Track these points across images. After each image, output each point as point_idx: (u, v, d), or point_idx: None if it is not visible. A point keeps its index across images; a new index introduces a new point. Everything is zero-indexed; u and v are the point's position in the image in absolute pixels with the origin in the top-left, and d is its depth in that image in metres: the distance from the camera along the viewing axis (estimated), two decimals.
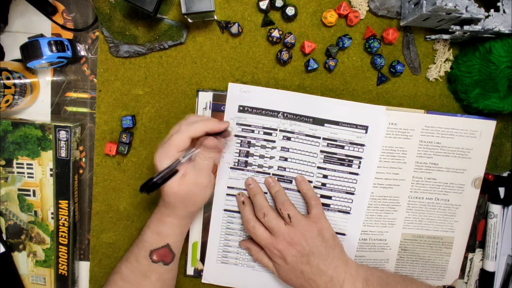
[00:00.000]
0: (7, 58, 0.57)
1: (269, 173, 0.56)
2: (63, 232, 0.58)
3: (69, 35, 0.57)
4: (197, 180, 0.48)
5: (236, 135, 0.55)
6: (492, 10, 0.49)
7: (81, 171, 0.59)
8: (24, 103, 0.56)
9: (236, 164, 0.56)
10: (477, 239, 0.62)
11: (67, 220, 0.57)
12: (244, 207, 0.55)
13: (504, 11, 0.50)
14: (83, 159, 0.59)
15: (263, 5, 0.54)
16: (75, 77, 0.58)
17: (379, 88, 0.57)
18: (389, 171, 0.56)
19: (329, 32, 0.56)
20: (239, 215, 0.57)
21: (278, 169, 0.56)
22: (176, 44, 0.55)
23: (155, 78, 0.56)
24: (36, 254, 0.58)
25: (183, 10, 0.48)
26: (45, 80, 0.58)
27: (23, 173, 0.57)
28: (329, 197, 0.56)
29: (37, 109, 0.58)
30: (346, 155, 0.55)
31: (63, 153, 0.56)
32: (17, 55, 0.53)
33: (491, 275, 0.61)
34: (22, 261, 0.59)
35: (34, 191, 0.57)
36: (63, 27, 0.56)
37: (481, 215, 0.61)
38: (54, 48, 0.51)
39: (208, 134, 0.48)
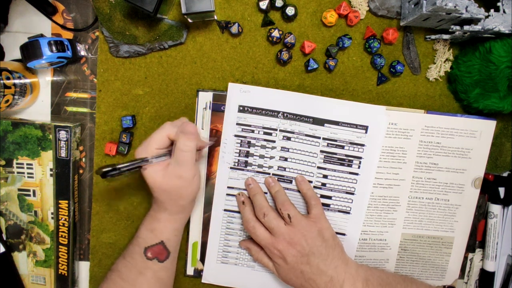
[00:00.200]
0: (7, 58, 0.57)
1: (269, 173, 0.56)
2: (63, 232, 0.58)
3: (69, 35, 0.57)
4: (180, 174, 0.47)
5: (236, 135, 0.55)
6: (492, 10, 0.49)
7: (81, 171, 0.59)
8: (24, 103, 0.56)
9: (236, 164, 0.56)
10: (477, 239, 0.62)
11: (67, 220, 0.57)
12: (244, 207, 0.55)
13: (504, 11, 0.50)
14: (83, 159, 0.59)
15: (263, 5, 0.54)
16: (75, 77, 0.58)
17: (379, 88, 0.57)
18: (389, 171, 0.56)
19: (329, 32, 0.56)
20: (239, 215, 0.57)
21: (278, 169, 0.56)
22: (176, 44, 0.55)
23: (155, 78, 0.56)
24: (36, 254, 0.58)
25: (183, 10, 0.48)
26: (45, 80, 0.58)
27: (23, 173, 0.57)
28: (329, 197, 0.56)
29: (37, 109, 0.58)
30: (346, 155, 0.55)
31: (63, 153, 0.56)
32: (17, 55, 0.53)
33: (491, 275, 0.61)
34: (22, 261, 0.59)
35: (34, 191, 0.57)
36: (63, 27, 0.56)
37: (481, 215, 0.61)
38: (54, 48, 0.51)
39: None
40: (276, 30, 0.54)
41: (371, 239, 0.58)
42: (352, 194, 0.56)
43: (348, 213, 0.57)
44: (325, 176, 0.56)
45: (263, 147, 0.56)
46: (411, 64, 0.56)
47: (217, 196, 0.57)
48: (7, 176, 0.57)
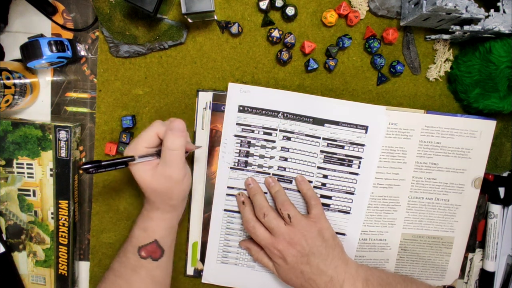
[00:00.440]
0: (7, 58, 0.57)
1: (269, 173, 0.56)
2: (63, 232, 0.58)
3: (69, 35, 0.57)
4: (169, 174, 0.47)
5: (236, 135, 0.55)
6: (492, 10, 0.49)
7: (81, 171, 0.59)
8: (24, 103, 0.56)
9: (236, 164, 0.56)
10: (477, 239, 0.62)
11: (67, 220, 0.57)
12: (244, 207, 0.55)
13: (504, 11, 0.50)
14: (83, 159, 0.59)
15: (263, 5, 0.54)
16: (75, 77, 0.58)
17: (379, 88, 0.57)
18: (389, 171, 0.56)
19: (329, 32, 0.56)
20: (239, 215, 0.57)
21: (278, 169, 0.56)
22: (176, 44, 0.55)
23: (155, 78, 0.56)
24: (36, 254, 0.58)
25: (183, 10, 0.48)
26: (45, 80, 0.58)
27: (23, 173, 0.57)
28: (329, 197, 0.56)
29: (37, 109, 0.58)
30: (346, 155, 0.55)
31: (63, 153, 0.56)
32: (17, 55, 0.53)
33: (491, 275, 0.61)
34: (22, 261, 0.59)
35: (34, 191, 0.57)
36: (63, 27, 0.56)
37: (481, 215, 0.61)
38: (54, 48, 0.51)
39: None
40: (276, 30, 0.54)
41: (371, 239, 0.58)
42: (352, 194, 0.56)
43: (348, 213, 0.57)
44: (325, 176, 0.56)
45: (263, 147, 0.56)
46: (411, 64, 0.56)
47: (217, 196, 0.57)
48: (7, 176, 0.57)
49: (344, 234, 0.57)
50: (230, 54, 0.56)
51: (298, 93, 0.54)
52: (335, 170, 0.56)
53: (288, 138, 0.55)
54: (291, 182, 0.56)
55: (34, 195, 0.57)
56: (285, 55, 0.54)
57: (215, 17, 0.54)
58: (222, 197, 0.57)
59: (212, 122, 0.56)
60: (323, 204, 0.56)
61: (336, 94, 0.57)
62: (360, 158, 0.55)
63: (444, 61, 0.56)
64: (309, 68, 0.55)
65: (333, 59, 0.55)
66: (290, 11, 0.53)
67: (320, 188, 0.56)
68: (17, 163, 0.56)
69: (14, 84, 0.52)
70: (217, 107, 0.55)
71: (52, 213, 0.57)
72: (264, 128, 0.55)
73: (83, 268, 0.61)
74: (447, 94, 0.57)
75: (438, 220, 0.58)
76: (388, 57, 0.56)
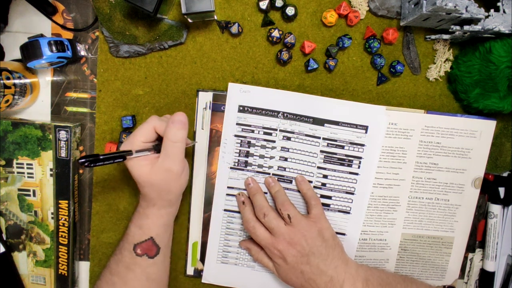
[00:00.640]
0: (7, 58, 0.57)
1: (269, 173, 0.56)
2: (63, 232, 0.58)
3: (69, 35, 0.57)
4: (169, 167, 0.47)
5: (236, 135, 0.55)
6: (492, 10, 0.49)
7: (81, 171, 0.59)
8: (24, 103, 0.56)
9: (236, 164, 0.56)
10: (477, 239, 0.62)
11: (67, 220, 0.57)
12: (244, 207, 0.55)
13: (504, 11, 0.50)
14: None
15: (263, 5, 0.54)
16: (75, 77, 0.58)
17: (379, 88, 0.57)
18: (389, 171, 0.56)
19: (329, 32, 0.56)
20: (239, 215, 0.57)
21: (278, 169, 0.56)
22: (176, 44, 0.55)
23: (155, 78, 0.56)
24: (36, 254, 0.58)
25: (183, 10, 0.48)
26: (45, 80, 0.58)
27: (23, 173, 0.57)
28: (329, 197, 0.56)
29: (37, 109, 0.58)
30: (346, 155, 0.55)
31: (63, 153, 0.56)
32: (17, 55, 0.53)
33: (491, 275, 0.61)
34: (22, 261, 0.59)
35: (34, 191, 0.57)
36: (63, 27, 0.56)
37: (481, 215, 0.61)
38: (54, 48, 0.51)
39: None
40: (276, 30, 0.54)
41: (371, 239, 0.58)
42: (352, 194, 0.56)
43: (348, 213, 0.57)
44: (325, 176, 0.56)
45: (263, 147, 0.56)
46: (411, 64, 0.56)
47: (217, 196, 0.57)
48: (7, 176, 0.57)
49: (344, 234, 0.57)
50: (230, 54, 0.56)
51: (298, 93, 0.54)
52: (335, 170, 0.56)
53: (288, 138, 0.55)
54: (291, 182, 0.56)
55: (34, 195, 0.57)
56: (285, 55, 0.54)
57: (215, 17, 0.54)
58: (222, 197, 0.57)
59: (212, 122, 0.56)
60: (323, 204, 0.56)
61: (336, 94, 0.57)
62: (360, 158, 0.55)
63: (444, 61, 0.56)
64: (309, 68, 0.55)
65: (333, 59, 0.55)
66: (290, 11, 0.53)
67: (320, 188, 0.56)
68: (17, 163, 0.56)
69: (14, 84, 0.52)
70: (217, 107, 0.55)
71: (52, 213, 0.57)
72: (264, 128, 0.55)
73: (83, 268, 0.61)
74: (447, 94, 0.57)
75: (438, 220, 0.58)
76: (388, 57, 0.56)
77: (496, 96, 0.52)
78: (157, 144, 0.49)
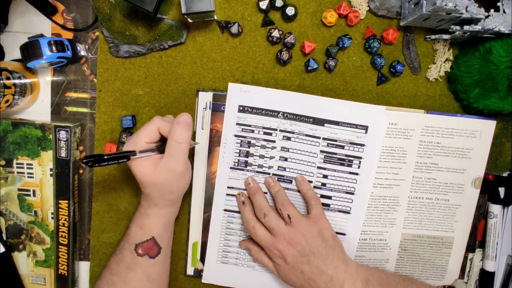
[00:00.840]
0: (7, 58, 0.57)
1: (269, 173, 0.56)
2: (63, 232, 0.58)
3: (69, 35, 0.57)
4: (173, 167, 0.47)
5: (236, 135, 0.55)
6: (492, 10, 0.49)
7: (81, 171, 0.59)
8: (24, 103, 0.56)
9: (236, 164, 0.56)
10: (477, 239, 0.62)
11: (67, 220, 0.57)
12: (244, 207, 0.55)
13: (504, 11, 0.50)
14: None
15: (263, 5, 0.54)
16: (75, 77, 0.58)
17: (379, 88, 0.57)
18: (389, 171, 0.56)
19: (329, 32, 0.56)
20: (239, 215, 0.57)
21: (278, 169, 0.56)
22: (176, 44, 0.55)
23: (155, 78, 0.56)
24: (36, 254, 0.58)
25: (183, 10, 0.48)
26: (45, 80, 0.58)
27: (23, 173, 0.57)
28: (329, 197, 0.56)
29: (37, 109, 0.58)
30: (346, 155, 0.55)
31: (63, 153, 0.56)
32: (17, 55, 0.53)
33: (491, 275, 0.61)
34: (22, 261, 0.59)
35: (34, 191, 0.57)
36: (63, 27, 0.56)
37: (481, 215, 0.61)
38: (54, 48, 0.51)
39: None
40: (276, 30, 0.54)
41: (371, 239, 0.58)
42: (352, 194, 0.56)
43: (348, 213, 0.57)
44: (325, 176, 0.56)
45: (263, 147, 0.56)
46: (411, 64, 0.56)
47: (217, 196, 0.57)
48: (7, 176, 0.57)
49: (344, 234, 0.57)
50: (230, 54, 0.56)
51: (298, 93, 0.54)
52: (335, 170, 0.56)
53: (288, 138, 0.55)
54: (291, 182, 0.56)
55: (34, 195, 0.57)
56: (285, 55, 0.54)
57: (215, 17, 0.54)
58: (222, 197, 0.57)
59: (212, 122, 0.56)
60: (323, 204, 0.56)
61: (336, 94, 0.57)
62: (360, 158, 0.55)
63: (444, 61, 0.56)
64: (309, 68, 0.55)
65: (333, 59, 0.55)
66: (290, 11, 0.53)
67: (320, 188, 0.56)
68: (17, 163, 0.56)
69: (14, 84, 0.52)
70: (217, 107, 0.55)
71: (52, 213, 0.57)
72: (264, 128, 0.55)
73: (83, 268, 0.61)
74: (447, 94, 0.57)
75: (438, 220, 0.58)
76: (388, 57, 0.56)
77: (496, 96, 0.52)
78: (160, 145, 0.49)
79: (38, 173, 0.56)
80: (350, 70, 0.56)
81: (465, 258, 0.62)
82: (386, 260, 0.59)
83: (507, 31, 0.49)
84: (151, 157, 0.47)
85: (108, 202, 0.58)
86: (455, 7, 0.46)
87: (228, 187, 0.57)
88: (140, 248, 0.50)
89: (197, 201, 0.58)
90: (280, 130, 0.55)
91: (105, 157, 0.43)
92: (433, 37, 0.55)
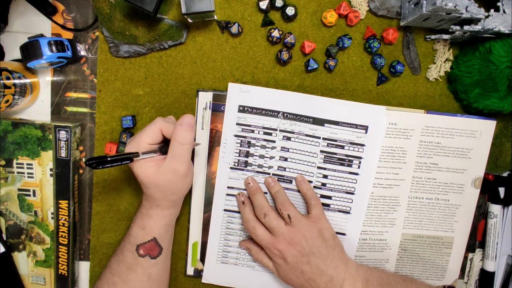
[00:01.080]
0: (7, 58, 0.57)
1: (269, 173, 0.56)
2: (63, 232, 0.58)
3: (69, 35, 0.57)
4: (176, 168, 0.47)
5: (236, 135, 0.55)
6: (492, 10, 0.49)
7: (81, 171, 0.59)
8: (24, 103, 0.56)
9: (236, 164, 0.56)
10: (477, 239, 0.62)
11: (67, 220, 0.57)
12: (244, 207, 0.55)
13: (504, 11, 0.50)
14: (83, 159, 0.59)
15: (263, 5, 0.54)
16: (75, 77, 0.58)
17: (379, 88, 0.57)
18: (389, 171, 0.56)
19: (329, 32, 0.56)
20: (239, 215, 0.57)
21: (278, 169, 0.56)
22: (176, 44, 0.55)
23: (155, 78, 0.56)
24: (36, 254, 0.58)
25: (183, 10, 0.48)
26: (45, 80, 0.58)
27: (23, 173, 0.57)
28: (329, 197, 0.56)
29: (37, 109, 0.58)
30: (346, 155, 0.55)
31: (63, 153, 0.56)
32: (17, 55, 0.53)
33: (491, 275, 0.61)
34: (22, 261, 0.59)
35: (34, 191, 0.57)
36: (63, 27, 0.56)
37: (481, 215, 0.61)
38: (54, 48, 0.51)
39: None
40: (276, 30, 0.54)
41: (371, 239, 0.58)
42: (352, 194, 0.56)
43: (348, 213, 0.57)
44: (325, 176, 0.56)
45: (263, 147, 0.56)
46: (411, 64, 0.56)
47: (217, 196, 0.57)
48: (7, 176, 0.57)
49: (344, 234, 0.57)
50: (230, 54, 0.56)
51: (298, 93, 0.54)
52: (335, 170, 0.56)
53: (288, 138, 0.55)
54: (291, 182, 0.56)
55: (34, 195, 0.57)
56: (285, 55, 0.54)
57: (215, 17, 0.54)
58: (222, 197, 0.57)
59: (212, 122, 0.56)
60: (323, 204, 0.56)
61: (336, 94, 0.57)
62: (360, 158, 0.55)
63: (444, 61, 0.56)
64: (309, 68, 0.55)
65: (333, 59, 0.55)
66: (290, 11, 0.53)
67: (320, 188, 0.56)
68: (17, 163, 0.56)
69: (14, 84, 0.52)
70: (217, 107, 0.55)
71: (52, 213, 0.57)
72: (264, 128, 0.55)
73: (83, 268, 0.61)
74: (447, 94, 0.57)
75: (438, 220, 0.58)
76: (388, 57, 0.56)
77: (496, 96, 0.52)
78: (163, 146, 0.49)
79: (38, 173, 0.56)
80: (350, 70, 0.56)
81: (465, 258, 0.62)
82: (386, 260, 0.59)
83: (507, 31, 0.49)
84: (154, 158, 0.47)
85: (108, 202, 0.58)
86: (455, 7, 0.46)
87: (228, 187, 0.57)
88: (142, 249, 0.50)
89: (197, 201, 0.58)
90: (280, 130, 0.55)
91: (109, 159, 0.44)
92: (433, 37, 0.55)
